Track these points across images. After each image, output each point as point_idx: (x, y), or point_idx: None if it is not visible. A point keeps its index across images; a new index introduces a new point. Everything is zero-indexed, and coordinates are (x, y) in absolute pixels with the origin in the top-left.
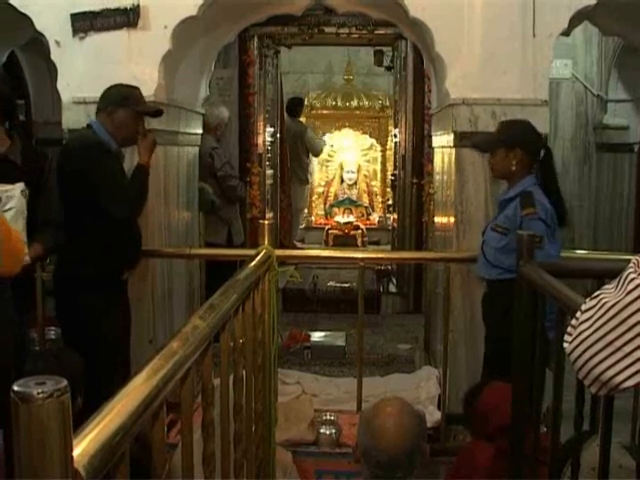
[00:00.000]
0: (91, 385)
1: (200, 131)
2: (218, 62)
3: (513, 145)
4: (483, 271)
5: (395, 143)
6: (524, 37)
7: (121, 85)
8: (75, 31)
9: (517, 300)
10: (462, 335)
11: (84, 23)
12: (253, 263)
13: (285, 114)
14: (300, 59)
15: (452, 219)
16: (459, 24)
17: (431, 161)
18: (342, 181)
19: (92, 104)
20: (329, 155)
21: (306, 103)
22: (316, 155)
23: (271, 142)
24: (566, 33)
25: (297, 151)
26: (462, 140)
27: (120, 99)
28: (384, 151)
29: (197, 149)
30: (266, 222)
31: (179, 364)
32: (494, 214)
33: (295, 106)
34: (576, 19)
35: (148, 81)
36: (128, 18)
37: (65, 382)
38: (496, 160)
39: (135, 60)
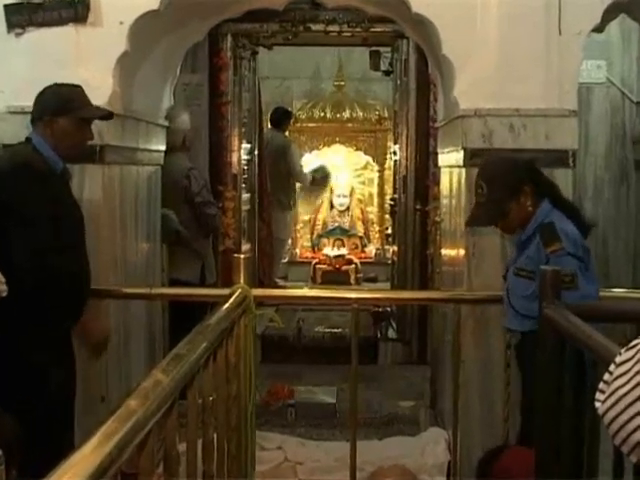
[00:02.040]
0: (29, 455)
1: (163, 147)
2: (185, 65)
3: (520, 187)
4: (514, 324)
5: (395, 162)
6: (548, 35)
7: (58, 86)
8: (10, 26)
9: (540, 349)
10: (475, 390)
11: (22, 17)
12: (226, 305)
13: (268, 126)
14: (282, 62)
15: (462, 252)
16: (470, 21)
17: (437, 183)
18: (332, 207)
19: None
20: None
21: None
22: (297, 180)
23: (248, 160)
24: (599, 29)
25: (279, 170)
26: (474, 158)
27: (59, 105)
28: (382, 171)
29: (159, 169)
30: (242, 256)
31: (137, 427)
32: (512, 255)
33: (280, 118)
34: (611, 12)
35: (100, 88)
36: (76, 12)
37: None
38: (512, 217)
39: (84, 63)
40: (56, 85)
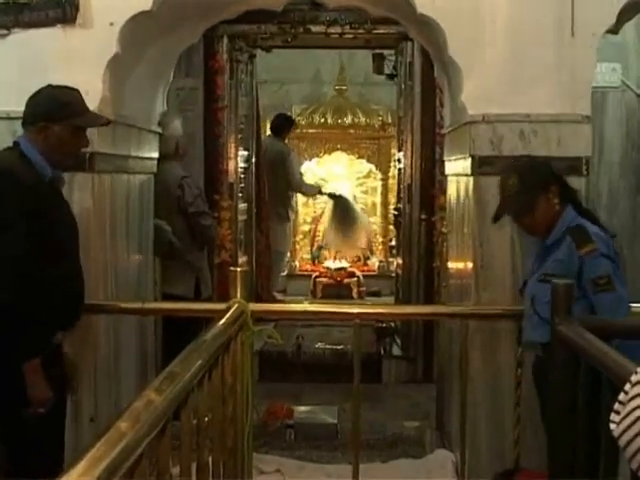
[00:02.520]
0: (16, 478)
1: (156, 155)
2: (179, 69)
3: (549, 185)
4: (538, 334)
5: (399, 170)
6: (560, 36)
7: (53, 88)
8: None
9: (553, 366)
10: (484, 410)
11: (7, 17)
12: (222, 321)
13: (266, 132)
14: (281, 65)
15: (470, 264)
16: (478, 22)
17: (444, 192)
18: None
19: (18, 120)
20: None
21: None
22: (295, 190)
23: (245, 169)
24: (614, 31)
25: (277, 179)
26: (482, 166)
27: (55, 111)
28: (385, 180)
29: (151, 177)
30: (239, 269)
31: (128, 450)
32: (533, 262)
33: (282, 125)
34: (626, 13)
35: (90, 92)
36: (64, 12)
37: None
38: (539, 213)
39: (73, 66)
40: (51, 87)
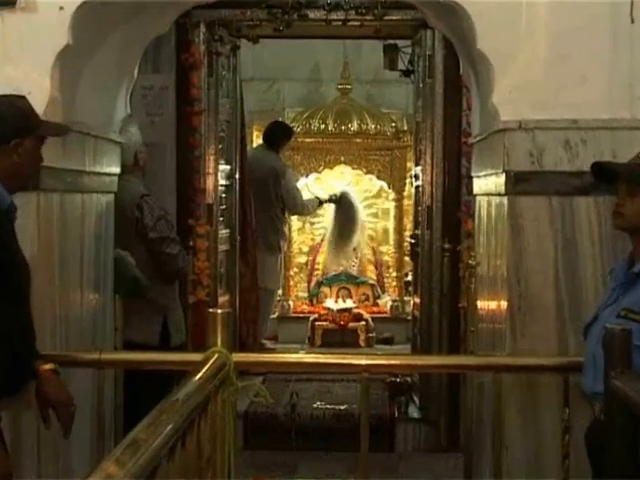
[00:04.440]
0: None
1: (116, 169)
2: (145, 64)
3: None
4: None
5: (416, 188)
6: (615, 25)
7: (3, 97)
8: None
9: (609, 430)
10: None
11: None
12: (199, 375)
13: (254, 142)
14: (271, 59)
15: (505, 304)
16: (514, 8)
17: (472, 216)
18: None
19: None
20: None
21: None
22: (295, 213)
23: (226, 187)
24: None
25: (268, 200)
26: (519, 184)
27: (24, 122)
28: (399, 200)
29: (112, 197)
30: (219, 311)
31: None
32: (612, 291)
33: (277, 135)
34: None
35: (34, 93)
36: None
37: None
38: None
39: (13, 59)
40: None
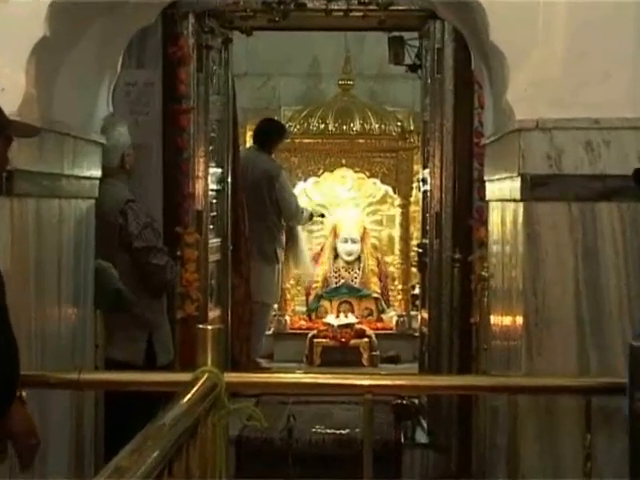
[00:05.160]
0: None
1: (97, 172)
2: (128, 58)
3: None
4: None
5: (424, 193)
6: None
7: None
8: None
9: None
10: None
11: None
12: (188, 397)
13: (247, 143)
14: (266, 53)
15: (520, 319)
16: None
17: (484, 223)
18: (336, 256)
19: None
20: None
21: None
22: (290, 221)
23: (217, 192)
24: None
25: (262, 206)
26: (536, 189)
27: None
28: (406, 206)
29: (92, 203)
30: (209, 327)
31: None
32: None
33: (269, 134)
34: None
35: (9, 89)
36: None
37: None
38: None
39: None
40: None
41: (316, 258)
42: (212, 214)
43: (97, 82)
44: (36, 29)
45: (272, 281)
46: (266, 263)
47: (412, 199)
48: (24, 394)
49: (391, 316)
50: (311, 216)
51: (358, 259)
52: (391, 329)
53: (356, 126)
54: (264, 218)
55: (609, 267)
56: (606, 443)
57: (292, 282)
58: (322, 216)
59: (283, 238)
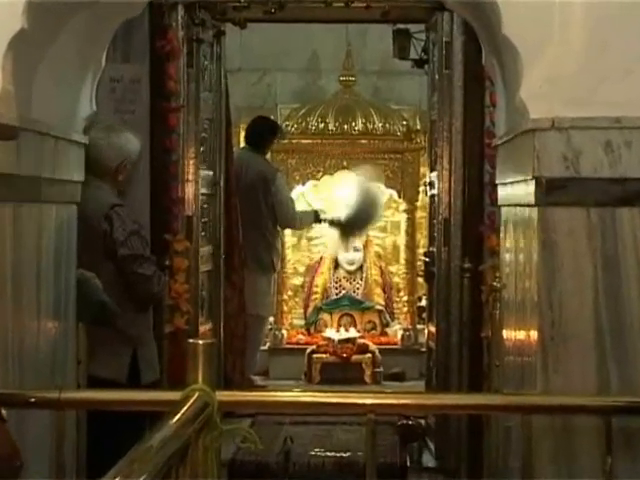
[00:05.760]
0: None
1: (80, 176)
2: (113, 52)
3: None
4: None
5: (431, 197)
6: None
7: None
8: None
9: None
10: None
11: None
12: (177, 417)
13: (242, 145)
14: (262, 47)
15: (535, 334)
16: None
17: (496, 230)
18: (337, 265)
19: None
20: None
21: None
22: (287, 226)
23: (209, 196)
24: None
25: (257, 211)
26: (552, 193)
27: None
28: (412, 212)
29: (74, 209)
30: (200, 342)
31: None
32: None
33: (262, 134)
34: None
35: None
36: None
37: None
38: None
39: None
40: None
41: (315, 268)
42: (203, 220)
43: (79, 78)
44: (13, 21)
45: (267, 292)
46: (261, 272)
47: (418, 204)
48: (4, 412)
49: (396, 330)
50: (318, 218)
51: (360, 268)
52: (396, 344)
53: (358, 126)
54: (259, 224)
55: (630, 277)
56: (628, 466)
57: (290, 293)
58: (332, 224)
59: (279, 245)
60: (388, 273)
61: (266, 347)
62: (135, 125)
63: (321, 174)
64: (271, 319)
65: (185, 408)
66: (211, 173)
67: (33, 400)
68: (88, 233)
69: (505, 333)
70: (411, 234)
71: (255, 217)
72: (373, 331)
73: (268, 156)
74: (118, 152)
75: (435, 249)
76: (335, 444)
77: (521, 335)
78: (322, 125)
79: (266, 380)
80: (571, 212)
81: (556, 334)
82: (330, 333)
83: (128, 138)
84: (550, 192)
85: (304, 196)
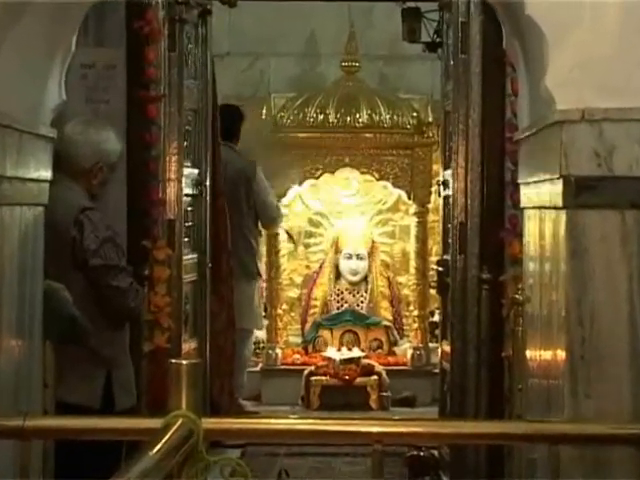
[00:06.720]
0: None
1: (47, 174)
2: (85, 35)
3: None
4: None
5: (445, 199)
6: None
7: None
8: None
9: None
10: None
11: None
12: (158, 447)
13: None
14: (253, 28)
15: (563, 353)
16: None
17: (519, 236)
18: (338, 276)
19: None
20: (312, 223)
21: (268, 116)
22: (269, 226)
23: (194, 197)
24: None
25: (239, 212)
26: (582, 194)
27: None
28: (423, 215)
29: (41, 210)
30: (184, 362)
31: None
32: None
33: (233, 121)
34: None
35: None
36: None
37: None
38: None
39: None
40: None
41: (313, 278)
42: (187, 224)
43: (47, 64)
44: None
45: (253, 302)
46: (245, 280)
47: (430, 206)
48: None
49: (405, 349)
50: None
51: (365, 279)
52: (405, 365)
53: (362, 117)
54: (240, 225)
55: None
56: None
57: (285, 307)
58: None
59: (259, 248)
60: (396, 284)
61: (258, 368)
62: (110, 116)
63: (320, 172)
64: (264, 336)
65: (167, 437)
66: (196, 171)
67: None
68: (56, 240)
69: (529, 352)
70: (422, 240)
71: (237, 218)
72: (379, 350)
73: (268, 156)
74: (94, 150)
75: (450, 257)
76: (337, 478)
77: (547, 354)
78: (321, 117)
79: (258, 405)
80: (603, 215)
81: (587, 353)
82: (331, 352)
83: (108, 136)
84: (580, 193)
85: (301, 197)
